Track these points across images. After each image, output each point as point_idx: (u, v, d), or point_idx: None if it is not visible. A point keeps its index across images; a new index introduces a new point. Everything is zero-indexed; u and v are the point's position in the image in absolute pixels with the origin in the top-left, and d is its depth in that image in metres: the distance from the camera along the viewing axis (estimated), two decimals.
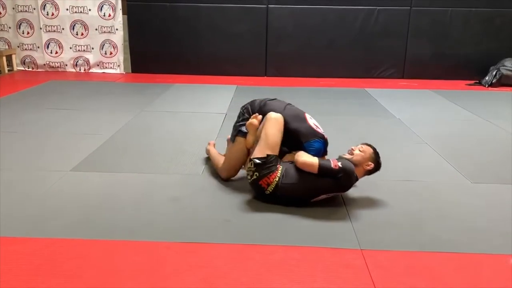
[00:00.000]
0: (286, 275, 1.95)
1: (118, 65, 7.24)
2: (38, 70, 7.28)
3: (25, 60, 7.27)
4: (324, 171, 2.48)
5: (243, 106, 2.98)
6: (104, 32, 7.13)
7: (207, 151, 3.30)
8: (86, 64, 7.27)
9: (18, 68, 7.28)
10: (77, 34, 7.15)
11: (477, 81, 6.87)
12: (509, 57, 6.83)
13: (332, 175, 2.49)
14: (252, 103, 2.95)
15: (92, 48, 7.20)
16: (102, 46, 7.19)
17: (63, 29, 7.11)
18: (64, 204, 2.59)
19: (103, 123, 4.26)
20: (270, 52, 7.18)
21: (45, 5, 7.01)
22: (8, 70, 7.07)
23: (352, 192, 2.73)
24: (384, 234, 2.34)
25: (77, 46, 7.19)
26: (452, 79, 7.06)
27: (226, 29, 7.04)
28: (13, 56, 7.17)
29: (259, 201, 2.65)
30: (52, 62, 7.25)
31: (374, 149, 2.63)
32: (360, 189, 2.73)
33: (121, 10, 7.04)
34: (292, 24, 7.03)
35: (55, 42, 7.17)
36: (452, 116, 4.95)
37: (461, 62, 7.09)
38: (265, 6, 6.96)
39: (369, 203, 2.69)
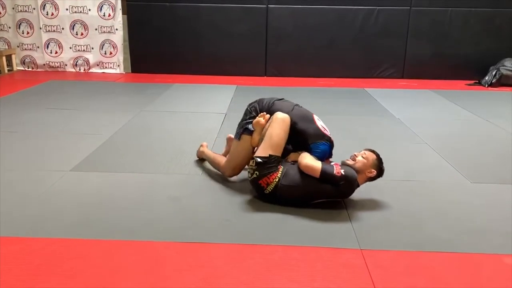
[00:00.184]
0: (285, 275, 1.96)
1: (118, 65, 7.25)
2: (38, 70, 7.28)
3: (25, 60, 7.27)
4: (326, 177, 2.47)
5: (250, 104, 2.97)
6: (104, 32, 7.13)
7: (200, 154, 3.28)
8: (86, 64, 7.27)
9: (18, 68, 7.28)
10: (77, 34, 7.15)
11: (477, 81, 6.88)
12: (508, 57, 6.83)
13: (333, 182, 2.48)
14: (260, 101, 2.93)
15: (92, 48, 7.20)
16: (102, 46, 7.19)
17: (63, 29, 7.11)
18: (64, 204, 2.59)
19: (103, 123, 4.26)
20: (270, 52, 7.18)
21: (44, 5, 7.02)
22: (8, 70, 7.07)
23: (354, 191, 2.73)
24: (384, 234, 2.34)
25: (77, 46, 7.19)
26: (452, 79, 7.07)
27: (226, 29, 7.04)
28: (13, 56, 7.17)
29: (259, 201, 2.65)
30: (52, 62, 7.25)
31: (378, 155, 2.61)
32: (360, 189, 2.72)
33: (121, 10, 7.04)
34: (292, 24, 7.03)
35: (55, 42, 7.17)
36: (452, 116, 4.95)
37: (461, 62, 7.10)
38: (265, 6, 6.97)
39: (369, 203, 2.69)
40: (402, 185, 2.98)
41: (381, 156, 2.63)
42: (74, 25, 7.10)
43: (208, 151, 3.20)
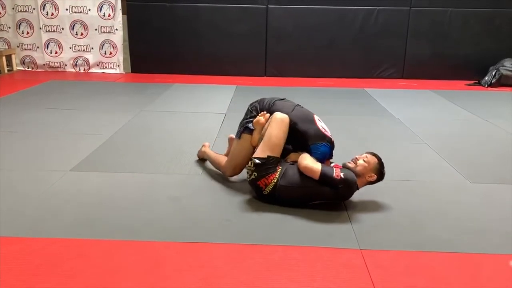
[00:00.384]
0: (285, 275, 1.96)
1: (118, 65, 7.25)
2: (37, 70, 7.28)
3: (24, 60, 7.27)
4: (325, 179, 2.46)
5: (251, 104, 2.97)
6: (104, 32, 7.13)
7: (201, 154, 3.27)
8: (85, 64, 7.27)
9: (18, 68, 7.28)
10: (76, 34, 7.15)
11: (477, 81, 6.88)
12: (508, 57, 6.84)
13: (332, 185, 2.47)
14: (261, 101, 2.93)
15: (92, 48, 7.20)
16: (101, 46, 7.20)
17: (62, 29, 7.11)
18: (64, 204, 2.59)
19: (103, 123, 4.27)
20: (270, 52, 7.18)
21: (44, 5, 7.02)
22: (8, 70, 7.07)
23: (353, 194, 2.73)
24: (384, 234, 2.34)
25: (76, 46, 7.19)
26: (451, 79, 7.07)
27: (226, 29, 7.05)
28: (13, 56, 7.17)
29: (259, 201, 2.65)
30: (51, 62, 7.25)
31: (379, 160, 2.58)
32: (360, 189, 2.72)
33: (120, 10, 7.04)
34: (292, 24, 7.03)
35: (54, 42, 7.17)
36: (452, 116, 4.95)
37: (460, 62, 7.10)
38: (265, 6, 6.97)
39: (369, 203, 2.69)
40: (402, 185, 2.98)
41: (382, 159, 2.60)
42: (74, 25, 7.11)
43: (209, 151, 3.19)
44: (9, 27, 7.17)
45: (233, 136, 3.06)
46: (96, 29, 7.11)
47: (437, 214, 2.57)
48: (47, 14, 7.06)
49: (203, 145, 3.31)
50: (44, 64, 7.25)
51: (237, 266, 2.02)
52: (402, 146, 3.84)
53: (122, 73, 7.22)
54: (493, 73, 6.68)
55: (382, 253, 2.15)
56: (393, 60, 7.18)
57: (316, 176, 2.47)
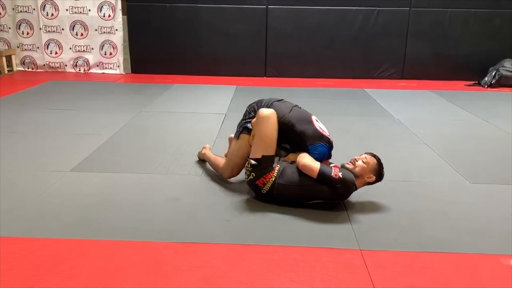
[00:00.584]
0: (285, 275, 1.96)
1: (118, 66, 7.25)
2: (37, 70, 7.29)
3: (24, 60, 7.28)
4: (323, 178, 2.46)
5: (249, 105, 2.97)
6: (104, 32, 7.14)
7: (201, 155, 3.27)
8: (86, 64, 7.27)
9: (18, 68, 7.29)
10: (76, 35, 7.16)
11: (477, 82, 6.88)
12: (508, 57, 6.84)
13: (330, 184, 2.47)
14: (259, 102, 2.92)
15: (92, 49, 7.21)
16: (102, 47, 7.20)
17: (62, 29, 7.12)
18: (64, 204, 2.59)
19: (103, 124, 4.27)
20: (270, 52, 7.19)
21: (44, 5, 7.02)
22: (8, 71, 7.08)
23: (351, 194, 2.73)
24: (383, 234, 2.35)
25: (76, 46, 7.20)
26: (451, 80, 7.08)
27: (226, 30, 7.05)
28: (13, 57, 7.17)
29: (259, 201, 2.65)
30: (51, 63, 7.25)
31: (378, 160, 2.57)
32: (359, 190, 2.72)
33: (120, 11, 7.05)
34: (292, 25, 7.04)
35: (54, 43, 7.18)
36: (452, 116, 4.96)
37: (460, 62, 7.11)
38: (265, 6, 6.97)
39: (368, 203, 2.69)
40: (402, 185, 2.98)
41: (381, 160, 2.60)
42: (74, 25, 7.11)
43: (209, 153, 3.19)
44: (9, 28, 7.18)
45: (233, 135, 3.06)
46: (96, 30, 7.12)
47: (436, 214, 2.57)
48: (47, 15, 7.06)
49: (204, 147, 3.31)
50: (44, 65, 7.26)
51: (236, 266, 2.02)
52: (401, 146, 3.84)
53: (122, 74, 7.22)
54: (493, 73, 6.69)
55: (381, 253, 2.15)
56: (393, 60, 7.18)
57: (315, 175, 2.47)
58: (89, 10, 7.04)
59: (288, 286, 1.89)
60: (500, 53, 6.91)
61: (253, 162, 2.57)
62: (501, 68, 6.67)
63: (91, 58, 7.25)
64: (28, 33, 7.17)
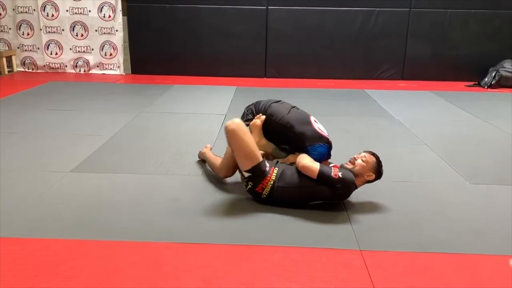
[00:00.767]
0: (284, 276, 1.96)
1: (118, 66, 7.25)
2: (38, 71, 7.29)
3: (25, 61, 7.28)
4: (323, 178, 2.46)
5: (247, 107, 2.97)
6: (104, 33, 7.14)
7: (202, 155, 3.27)
8: (86, 65, 7.27)
9: (18, 69, 7.29)
10: (77, 35, 7.16)
11: (476, 83, 6.89)
12: (508, 58, 6.84)
13: (330, 184, 2.47)
14: (256, 104, 2.92)
15: (92, 49, 7.21)
16: (102, 47, 7.20)
17: (63, 30, 7.12)
18: (64, 205, 2.59)
19: (103, 124, 4.27)
20: (270, 53, 7.19)
21: (45, 6, 7.03)
22: (8, 71, 7.08)
23: (351, 193, 2.73)
24: (383, 234, 2.35)
25: (77, 47, 7.20)
26: (451, 81, 7.08)
27: (226, 30, 7.05)
28: (13, 57, 7.18)
29: (258, 202, 2.65)
30: (52, 63, 7.26)
31: (377, 158, 2.58)
32: (359, 190, 2.72)
33: (121, 11, 7.05)
34: (292, 25, 7.04)
35: (55, 43, 7.18)
36: (452, 117, 4.96)
37: (460, 63, 7.11)
38: (265, 7, 6.98)
39: (369, 204, 2.69)
40: (402, 186, 2.98)
41: (380, 158, 2.61)
42: (74, 26, 7.12)
43: (209, 153, 3.18)
44: (10, 28, 7.18)
45: None
46: (96, 30, 7.12)
47: (436, 215, 2.57)
48: (47, 15, 7.07)
49: (205, 147, 3.32)
50: (44, 65, 7.26)
51: (236, 266, 2.02)
52: (402, 147, 3.84)
53: (122, 74, 7.22)
54: (493, 74, 6.69)
55: (382, 254, 2.15)
56: (393, 61, 7.18)
57: (314, 175, 2.47)
58: (89, 11, 7.04)
59: (288, 287, 1.89)
60: (500, 54, 6.91)
61: (246, 174, 2.56)
62: (501, 68, 6.67)
63: (91, 58, 7.25)
64: (28, 34, 7.17)
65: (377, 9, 6.94)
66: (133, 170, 3.16)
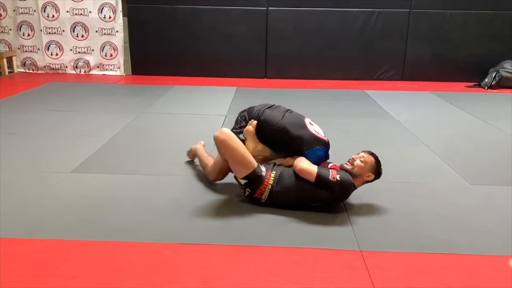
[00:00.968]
0: (285, 276, 1.96)
1: (118, 67, 7.26)
2: (38, 72, 7.30)
3: (25, 62, 7.29)
4: (321, 181, 2.45)
5: (240, 112, 2.94)
6: (105, 34, 7.15)
7: (193, 151, 3.18)
8: (86, 66, 7.28)
9: (19, 70, 7.30)
10: (77, 36, 7.17)
11: (477, 83, 6.89)
12: (508, 59, 6.84)
13: (328, 187, 2.46)
14: (250, 110, 2.88)
15: (93, 50, 7.22)
16: (102, 48, 7.21)
17: (63, 31, 7.13)
18: (65, 205, 2.60)
19: (104, 125, 4.27)
20: (270, 54, 7.19)
21: (45, 7, 7.03)
22: (9, 72, 7.09)
23: (351, 194, 2.73)
24: (384, 235, 2.35)
25: (77, 48, 7.21)
26: (451, 81, 7.08)
27: (226, 31, 7.06)
28: (14, 58, 7.18)
29: (258, 203, 2.65)
30: (52, 64, 7.26)
31: (376, 158, 2.56)
32: (359, 190, 2.73)
33: (121, 12, 7.06)
34: (292, 26, 7.05)
35: (55, 44, 7.19)
36: (452, 118, 4.96)
37: (460, 64, 7.11)
38: (265, 8, 6.98)
39: (369, 204, 2.69)
40: (402, 187, 2.98)
41: (380, 158, 2.60)
42: (75, 27, 7.12)
43: (202, 150, 3.13)
44: (10, 29, 7.19)
45: None
46: (96, 31, 7.13)
47: (437, 216, 2.57)
48: (48, 16, 7.08)
49: (199, 143, 3.24)
50: (44, 66, 7.27)
51: (236, 267, 2.02)
52: (402, 147, 3.84)
53: (123, 75, 7.23)
54: (493, 75, 6.69)
55: (382, 254, 2.15)
56: (393, 62, 7.18)
57: (312, 179, 2.46)
58: (90, 12, 7.05)
59: (287, 287, 1.89)
60: (500, 55, 6.91)
61: (242, 181, 2.55)
62: (501, 69, 6.67)
63: (92, 59, 7.26)
64: (28, 35, 7.18)
65: (377, 10, 6.94)
66: (134, 170, 3.16)
